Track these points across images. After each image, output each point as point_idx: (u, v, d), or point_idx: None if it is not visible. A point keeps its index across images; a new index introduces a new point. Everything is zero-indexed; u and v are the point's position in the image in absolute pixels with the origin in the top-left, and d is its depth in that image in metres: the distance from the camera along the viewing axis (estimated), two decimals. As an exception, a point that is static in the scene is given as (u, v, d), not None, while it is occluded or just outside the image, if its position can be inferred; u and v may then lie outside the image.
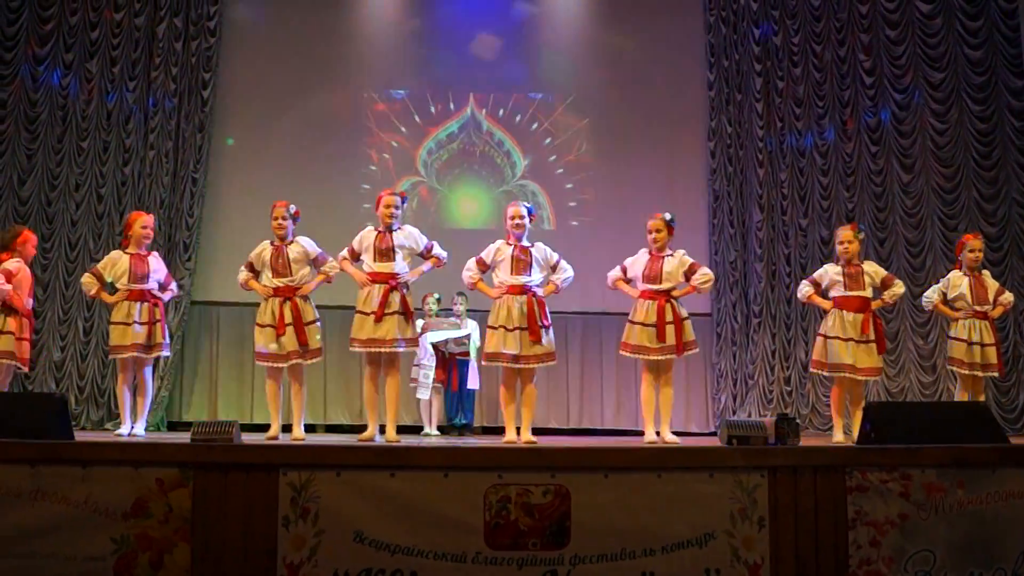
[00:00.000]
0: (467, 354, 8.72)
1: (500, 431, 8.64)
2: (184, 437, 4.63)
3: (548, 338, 5.95)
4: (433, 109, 10.08)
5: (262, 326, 6.17)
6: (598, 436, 9.10)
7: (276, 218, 6.28)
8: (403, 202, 6.28)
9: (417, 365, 8.57)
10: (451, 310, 8.92)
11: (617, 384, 9.84)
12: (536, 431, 8.56)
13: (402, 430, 8.62)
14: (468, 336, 8.74)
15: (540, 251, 6.13)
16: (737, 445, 4.46)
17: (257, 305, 6.44)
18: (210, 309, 9.65)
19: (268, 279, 6.21)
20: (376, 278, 6.04)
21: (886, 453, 4.33)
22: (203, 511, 4.15)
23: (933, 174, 9.92)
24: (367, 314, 5.95)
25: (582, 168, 10.14)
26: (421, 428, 8.67)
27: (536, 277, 6.06)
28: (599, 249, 9.46)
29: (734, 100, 10.03)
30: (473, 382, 8.73)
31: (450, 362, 8.76)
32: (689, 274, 6.19)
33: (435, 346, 8.63)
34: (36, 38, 9.58)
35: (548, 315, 5.98)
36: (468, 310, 8.92)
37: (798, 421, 4.70)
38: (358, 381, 9.32)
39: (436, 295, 8.91)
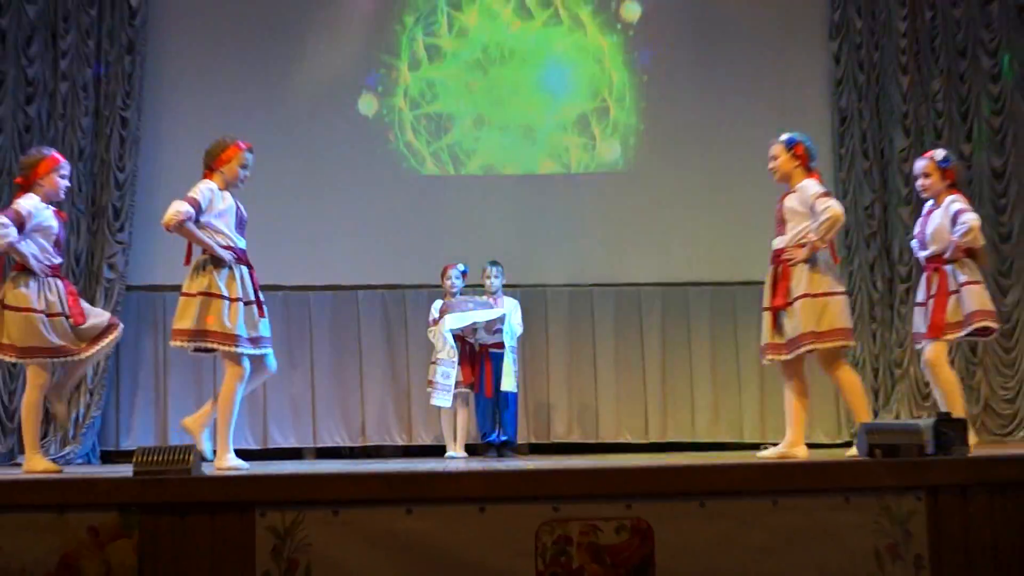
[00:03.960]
0: (502, 345, 8.73)
1: (554, 449, 9.55)
2: (124, 470, 4.66)
3: (800, 315, 6.12)
4: (452, 17, 10.18)
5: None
6: (688, 452, 9.18)
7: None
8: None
9: (434, 362, 8.64)
10: (482, 286, 9.03)
11: (713, 382, 9.90)
12: (605, 447, 9.59)
13: (419, 452, 9.48)
14: (503, 318, 8.74)
15: (797, 196, 6.30)
16: (882, 457, 4.48)
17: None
18: (153, 297, 9.69)
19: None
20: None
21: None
22: (153, 568, 4.16)
23: None
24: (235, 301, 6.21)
25: (659, 83, 10.15)
26: (444, 449, 8.76)
27: (790, 234, 6.27)
28: (680, 192, 9.91)
29: (865, -20, 10.08)
30: (511, 383, 8.73)
31: (480, 356, 8.80)
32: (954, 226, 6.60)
33: (459, 336, 8.64)
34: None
35: (807, 282, 6.13)
36: (505, 285, 9.03)
37: (967, 422, 4.71)
38: (358, 392, 9.80)
39: (461, 266, 8.93)
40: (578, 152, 10.22)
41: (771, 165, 6.46)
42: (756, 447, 8.38)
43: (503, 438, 8.92)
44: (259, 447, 9.57)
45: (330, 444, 9.62)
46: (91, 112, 9.64)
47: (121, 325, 6.58)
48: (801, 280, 6.15)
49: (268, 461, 8.70)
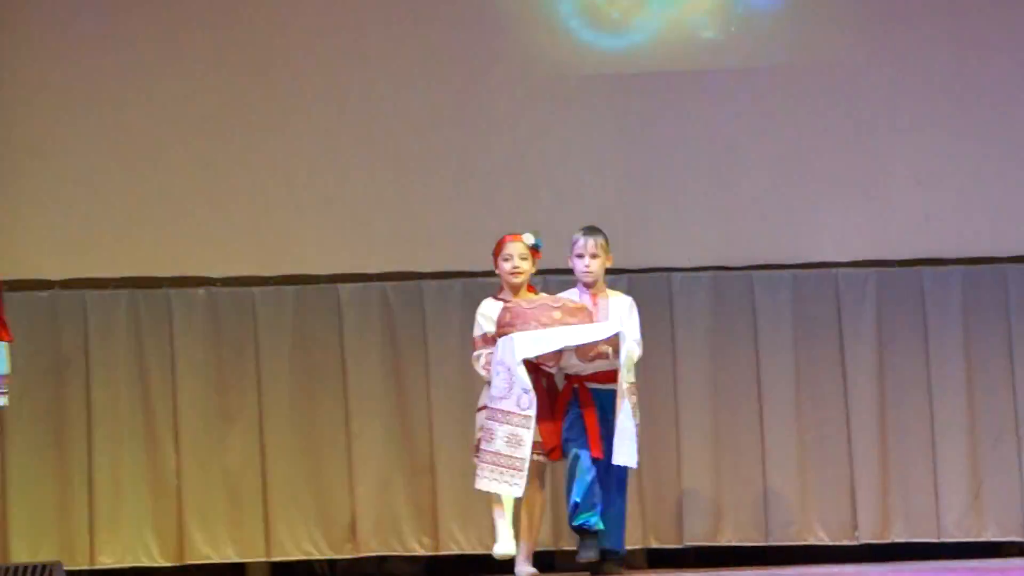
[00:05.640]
0: (612, 378, 7.73)
1: (693, 559, 9.37)
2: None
3: None
4: None
5: None
6: (933, 560, 8.71)
7: None
8: None
9: (486, 409, 7.75)
10: (569, 272, 8.21)
11: (971, 434, 9.05)
12: (784, 555, 9.29)
13: (453, 568, 9.18)
14: (616, 337, 7.64)
15: None
16: None
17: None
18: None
19: None
20: None
21: None
22: None
23: None
24: None
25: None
26: (493, 561, 8.04)
27: None
28: (914, 104, 9.45)
29: None
30: (629, 451, 7.70)
31: (571, 399, 7.89)
32: None
33: (532, 363, 7.59)
34: None
35: None
36: (613, 271, 8.28)
37: None
38: (344, 462, 9.14)
39: (530, 237, 7.98)
40: (730, 34, 9.52)
41: None
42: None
43: (607, 546, 7.90)
44: (172, 564, 9.01)
45: (296, 556, 8.87)
46: None
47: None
48: None
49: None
